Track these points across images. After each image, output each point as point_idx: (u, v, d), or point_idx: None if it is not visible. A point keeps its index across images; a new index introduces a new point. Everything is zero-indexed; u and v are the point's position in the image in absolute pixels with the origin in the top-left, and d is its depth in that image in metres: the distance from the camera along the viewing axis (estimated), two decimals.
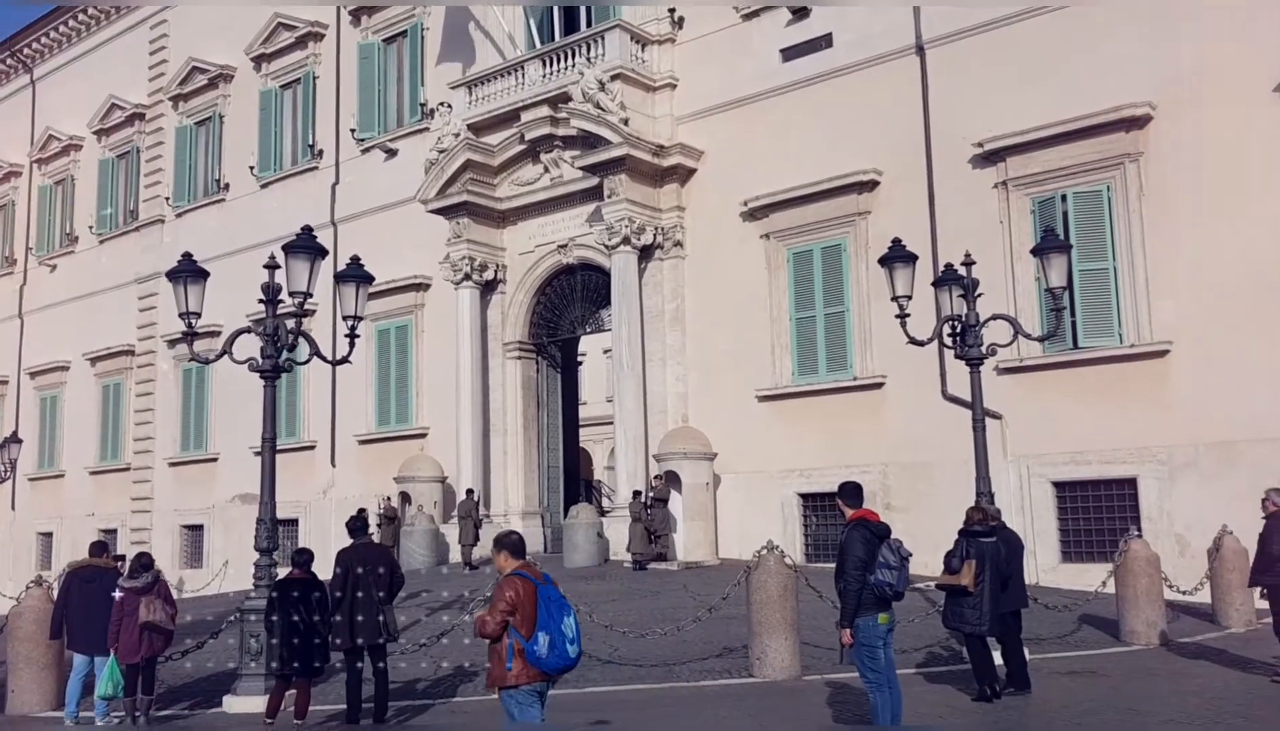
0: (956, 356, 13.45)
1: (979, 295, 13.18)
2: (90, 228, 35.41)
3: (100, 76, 35.47)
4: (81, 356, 34.56)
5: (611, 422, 23.07)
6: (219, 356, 12.76)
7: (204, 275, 12.73)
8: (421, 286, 26.16)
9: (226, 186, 31.25)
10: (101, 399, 34.12)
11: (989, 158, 18.46)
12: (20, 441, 28.73)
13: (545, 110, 23.10)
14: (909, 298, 13.38)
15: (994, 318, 13.36)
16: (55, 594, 12.33)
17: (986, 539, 10.31)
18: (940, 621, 10.98)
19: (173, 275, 12.66)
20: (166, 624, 11.07)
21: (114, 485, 33.15)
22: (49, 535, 35.23)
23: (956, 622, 10.29)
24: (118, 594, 10.95)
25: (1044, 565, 17.14)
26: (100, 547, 12.38)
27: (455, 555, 22.37)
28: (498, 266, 24.63)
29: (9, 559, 35.34)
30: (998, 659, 10.56)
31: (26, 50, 38.23)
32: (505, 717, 6.65)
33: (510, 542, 6.96)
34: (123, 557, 13.38)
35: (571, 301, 24.49)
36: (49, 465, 35.54)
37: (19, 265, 38.21)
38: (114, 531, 31.61)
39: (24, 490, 35.54)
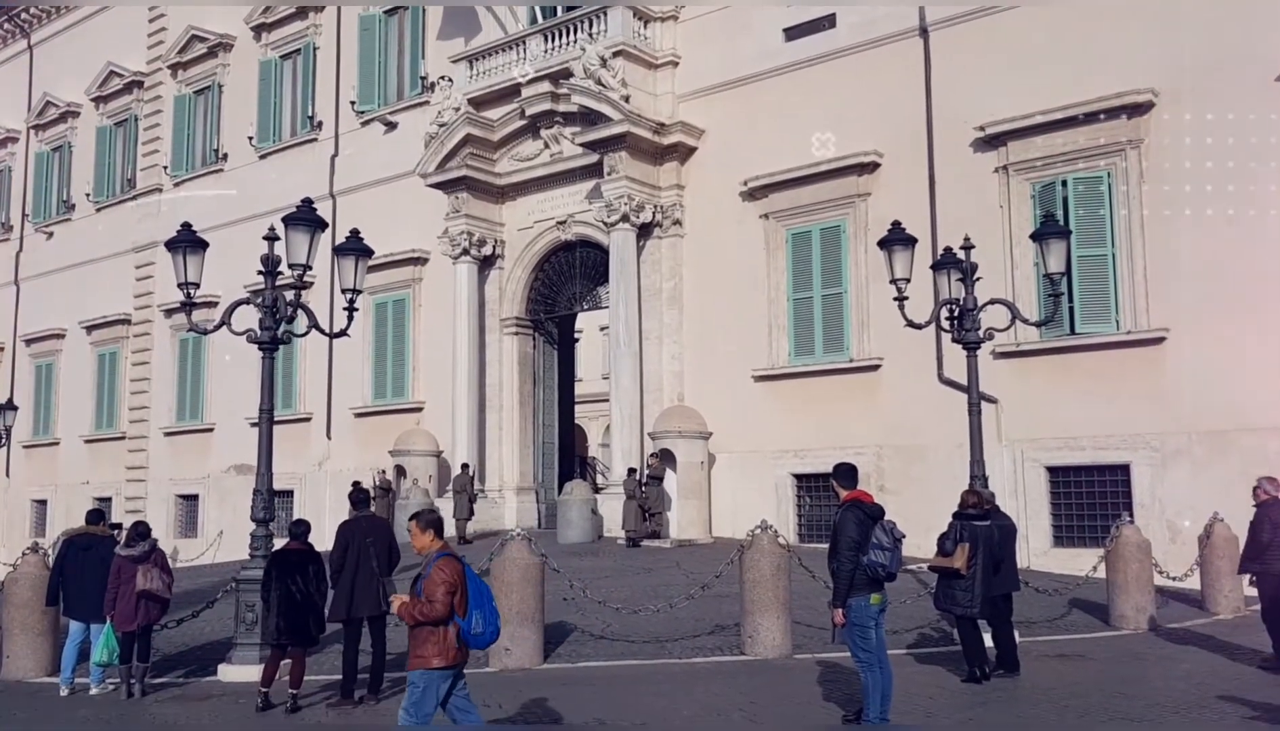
0: (954, 340, 13.48)
1: (977, 279, 13.20)
2: (87, 195, 35.28)
3: (99, 43, 35.23)
4: (77, 324, 34.49)
5: (607, 400, 23.13)
6: (217, 327, 12.75)
7: (203, 246, 12.71)
8: (420, 260, 26.13)
9: (225, 156, 31.12)
10: (97, 367, 34.09)
11: (990, 142, 18.45)
12: (15, 409, 28.63)
13: (546, 86, 23.02)
14: (907, 280, 13.40)
15: (992, 302, 13.39)
16: (51, 561, 12.37)
17: (980, 522, 10.39)
18: (932, 603, 11.06)
19: (172, 245, 12.64)
20: (163, 592, 11.12)
21: (109, 454, 33.18)
22: (43, 503, 35.28)
23: (948, 604, 10.38)
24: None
25: (1036, 549, 17.24)
26: (97, 516, 12.42)
27: (450, 529, 22.42)
28: (496, 242, 24.59)
29: (3, 526, 35.41)
30: (988, 641, 10.65)
31: (24, 15, 37.96)
32: (417, 697, 6.57)
33: (435, 521, 6.99)
34: (119, 526, 13.42)
35: (569, 278, 24.48)
36: (44, 433, 35.54)
37: (15, 232, 38.07)
38: (109, 500, 31.64)
39: (18, 458, 35.55)
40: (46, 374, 35.86)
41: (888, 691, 8.22)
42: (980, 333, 13.13)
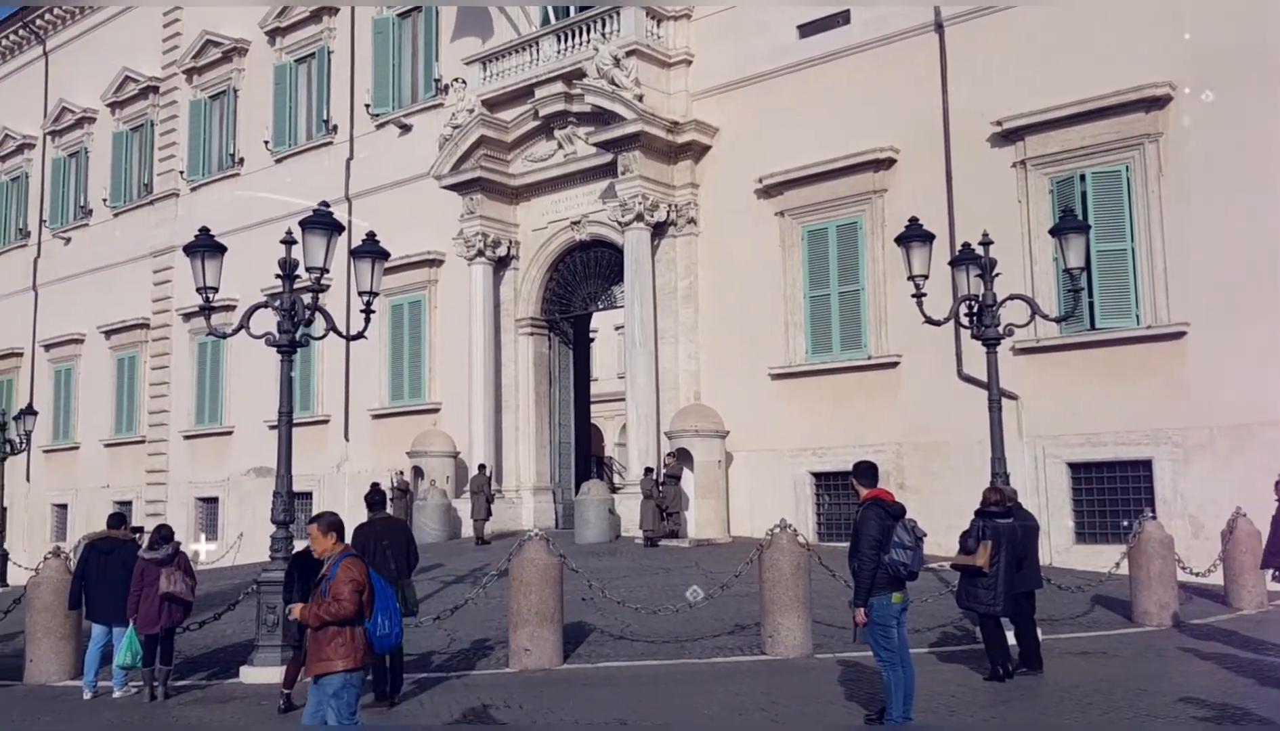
0: (973, 336, 13.41)
1: (996, 275, 13.12)
2: (104, 200, 35.48)
3: (114, 48, 35.43)
4: (96, 329, 34.69)
5: (623, 399, 23.13)
6: (236, 331, 12.79)
7: (221, 250, 12.74)
8: (435, 262, 26.17)
9: (241, 161, 31.25)
10: (116, 372, 34.28)
11: (1007, 137, 18.34)
12: (35, 413, 28.83)
13: (559, 86, 23.02)
14: (925, 277, 13.33)
15: (1011, 298, 13.30)
16: (73, 565, 12.43)
17: (1003, 520, 10.32)
18: (954, 601, 11.01)
19: (190, 249, 12.69)
20: (186, 595, 11.16)
21: (129, 458, 33.36)
22: (64, 507, 35.50)
23: (971, 603, 10.33)
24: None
25: (1058, 546, 17.14)
26: (118, 519, 12.46)
27: (467, 529, 22.48)
28: (511, 243, 24.61)
29: (24, 530, 35.60)
30: (1011, 639, 10.60)
31: (39, 21, 38.20)
32: (329, 705, 6.48)
33: (336, 523, 6.95)
34: (140, 529, 13.48)
35: (584, 278, 24.48)
36: (64, 437, 35.76)
37: (33, 238, 38.31)
38: (129, 503, 31.84)
39: (39, 462, 35.77)
40: (66, 379, 36.08)
41: (910, 690, 8.18)
42: (1000, 329, 13.06)
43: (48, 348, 36.61)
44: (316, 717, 6.55)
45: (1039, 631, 10.86)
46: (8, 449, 27.87)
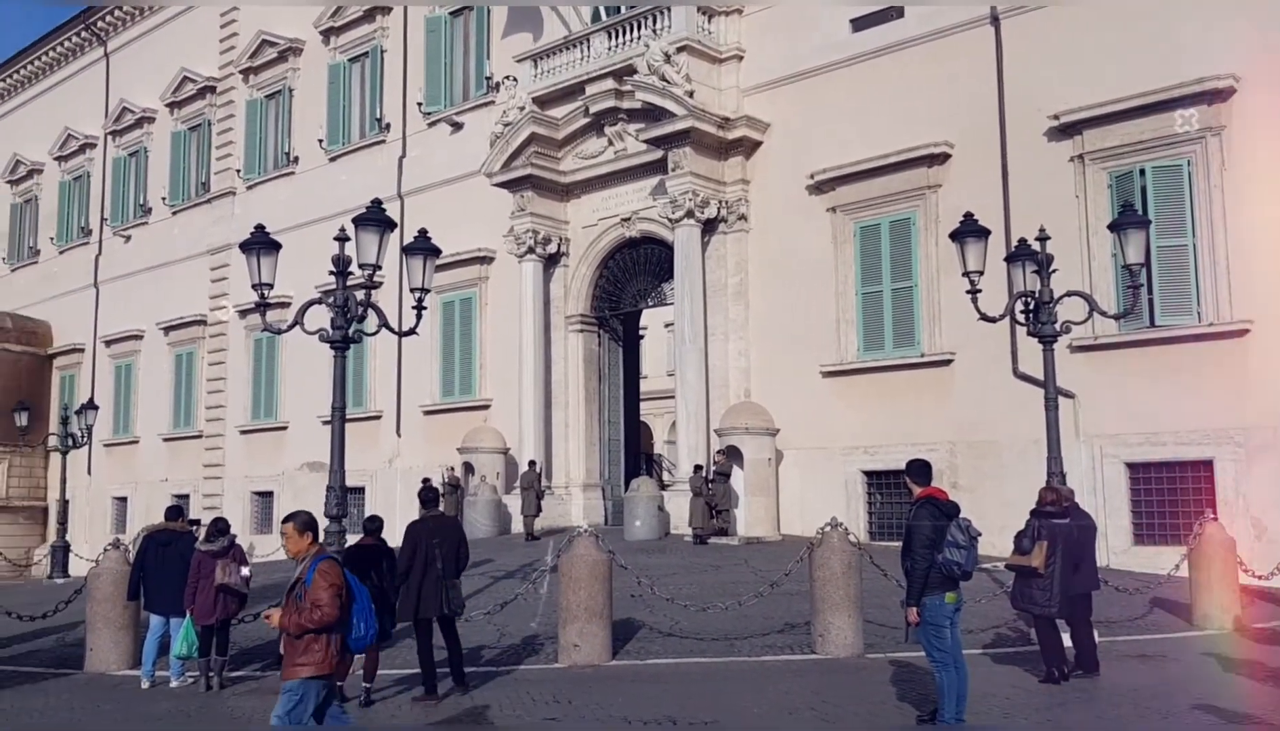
0: (1029, 334, 13.21)
1: (1053, 271, 12.91)
2: (163, 199, 36.11)
3: (172, 49, 36.05)
4: (155, 326, 35.34)
5: (672, 396, 23.09)
6: (290, 327, 12.94)
7: (276, 247, 12.90)
8: (486, 259, 26.31)
9: (296, 159, 31.64)
10: (174, 367, 34.89)
11: (1065, 131, 18.03)
12: (96, 408, 29.46)
13: (610, 83, 23.02)
14: (980, 273, 13.14)
15: (1069, 294, 13.07)
16: (132, 556, 12.66)
17: (1059, 520, 10.17)
18: (1009, 602, 10.86)
19: (246, 247, 12.87)
20: (241, 587, 11.34)
21: (187, 452, 33.95)
22: (124, 500, 36.22)
23: (1025, 604, 10.18)
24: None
25: (1116, 547, 16.82)
26: (175, 512, 12.68)
27: (517, 525, 22.57)
28: (561, 239, 24.67)
29: (85, 522, 36.38)
30: (1067, 641, 10.42)
31: (100, 23, 38.96)
32: (292, 707, 6.38)
33: (312, 523, 6.79)
34: (197, 522, 13.70)
35: (634, 275, 24.47)
36: (124, 432, 36.47)
37: (94, 236, 39.12)
38: (187, 497, 32.37)
39: (100, 456, 36.53)
40: (126, 374, 36.80)
41: (963, 691, 8.07)
42: (1057, 326, 12.85)
43: (108, 344, 37.36)
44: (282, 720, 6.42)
45: (1096, 633, 10.67)
46: (70, 442, 28.49)
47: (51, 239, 41.10)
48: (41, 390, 38.92)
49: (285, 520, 6.75)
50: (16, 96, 43.89)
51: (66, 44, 40.70)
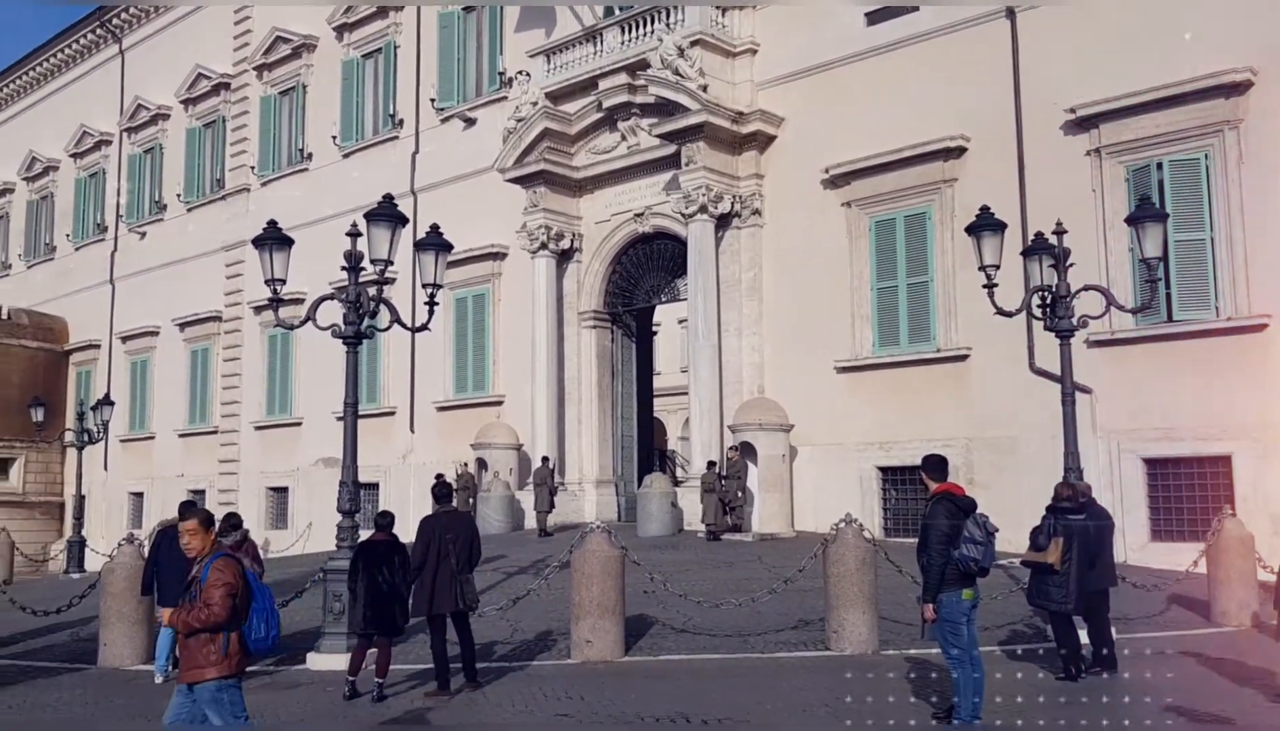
0: (1046, 328, 13.10)
1: (1070, 265, 12.79)
2: (178, 196, 36.23)
3: (187, 46, 36.13)
4: (170, 322, 35.46)
5: (686, 393, 23.01)
6: (303, 323, 12.96)
7: (289, 243, 12.90)
8: (499, 255, 26.29)
9: (309, 156, 31.68)
10: (190, 363, 35.00)
11: (1081, 124, 17.88)
12: (112, 404, 29.59)
13: (623, 77, 22.96)
14: (997, 267, 13.04)
15: (1086, 288, 12.96)
16: (146, 551, 12.68)
17: (1075, 516, 10.09)
18: (1025, 599, 10.78)
19: (258, 242, 12.87)
20: None
21: (202, 447, 34.06)
22: (140, 495, 36.37)
23: (1042, 600, 10.11)
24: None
25: (1133, 544, 16.68)
26: (189, 507, 12.66)
27: (530, 521, 22.57)
28: (574, 235, 24.63)
29: (102, 517, 36.56)
30: (1084, 638, 10.33)
31: (114, 20, 39.09)
32: (210, 711, 6.22)
33: (210, 517, 6.62)
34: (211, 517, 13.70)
35: (647, 270, 24.41)
36: (140, 427, 36.62)
37: (110, 232, 39.27)
38: (202, 492, 32.49)
39: (116, 451, 36.69)
40: (142, 370, 36.94)
41: (980, 689, 8.01)
42: (1074, 320, 12.74)
43: (124, 339, 37.51)
44: (178, 719, 6.29)
45: (1113, 630, 10.58)
46: (86, 438, 28.62)
47: (68, 236, 41.29)
48: (58, 386, 39.11)
49: (183, 516, 6.51)
50: (33, 94, 44.10)
51: (81, 41, 40.86)
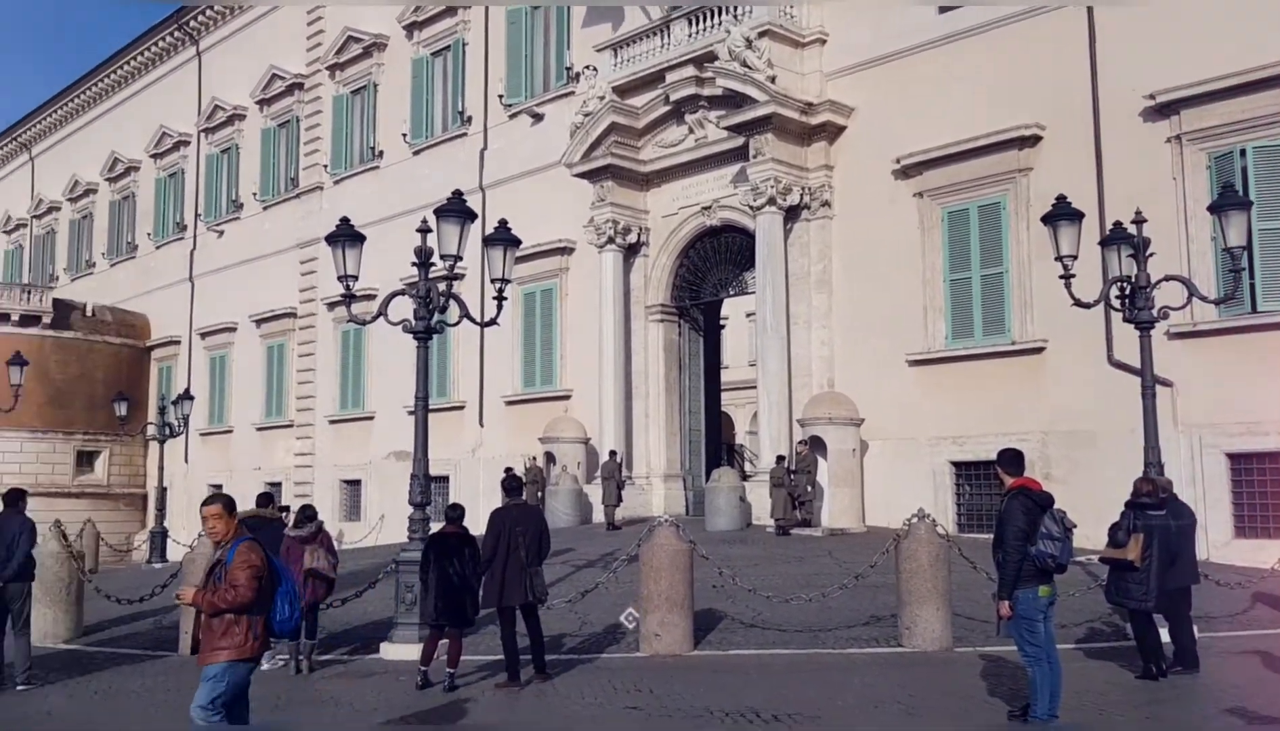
0: (1125, 320, 12.79)
1: (1150, 255, 12.47)
2: (254, 194, 36.98)
3: (261, 47, 36.87)
4: (247, 318, 36.24)
5: (754, 387, 22.91)
6: (375, 318, 13.14)
7: (360, 239, 13.09)
8: (566, 250, 26.41)
9: (381, 153, 32.11)
10: (266, 359, 35.74)
11: (1161, 111, 17.40)
12: (192, 398, 30.31)
13: (690, 70, 22.88)
14: (1074, 258, 12.74)
15: (1166, 279, 12.62)
16: None
17: (1155, 512, 9.84)
18: (1103, 596, 10.54)
19: (331, 239, 13.08)
20: (328, 571, 11.55)
21: (278, 441, 34.77)
22: (219, 487, 37.21)
23: (1121, 598, 9.88)
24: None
25: (1216, 541, 16.21)
26: (266, 499, 12.97)
27: (598, 515, 22.65)
28: (641, 229, 24.63)
29: (183, 509, 37.47)
30: (1165, 636, 10.07)
31: (192, 23, 40.01)
32: (218, 693, 6.25)
33: (233, 502, 6.68)
34: (287, 508, 14.00)
35: (714, 264, 24.32)
36: (218, 421, 37.50)
37: (189, 231, 40.24)
38: (279, 485, 33.15)
39: (196, 445, 37.63)
40: (220, 365, 37.82)
41: (1057, 687, 7.84)
42: (1154, 311, 12.42)
43: (203, 336, 38.43)
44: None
45: (1195, 629, 10.30)
46: (167, 432, 29.36)
47: (149, 234, 42.41)
48: (140, 381, 40.24)
49: (208, 502, 6.57)
50: (114, 96, 45.36)
51: (161, 44, 41.90)
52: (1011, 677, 9.40)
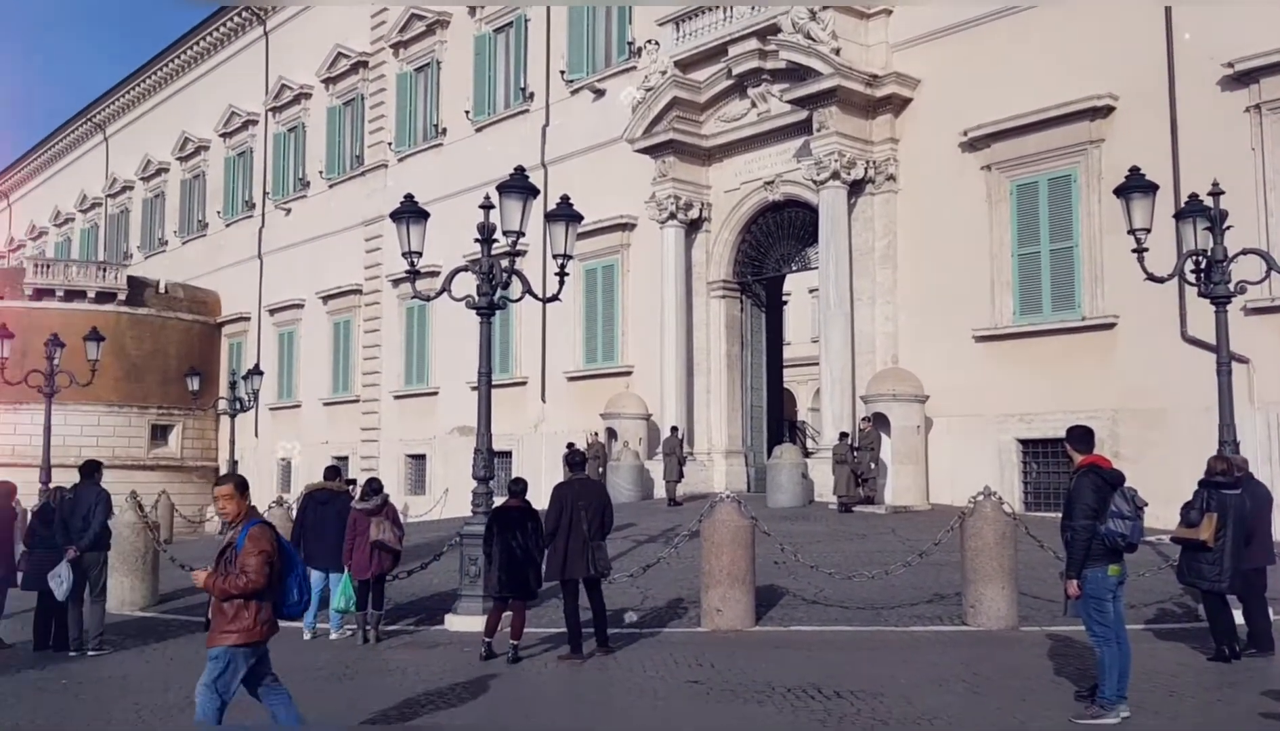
0: (1200, 295, 12.47)
1: (1227, 228, 12.13)
2: (320, 172, 37.47)
3: (327, 26, 37.23)
4: (314, 295, 36.81)
5: (816, 363, 22.72)
6: (438, 294, 13.24)
7: (424, 216, 13.20)
8: (627, 226, 26.38)
9: (444, 131, 32.31)
10: (333, 335, 36.31)
11: (1240, 79, 16.86)
12: (261, 373, 30.89)
13: (754, 43, 22.66)
14: (1147, 231, 12.46)
15: (1244, 252, 12.27)
16: (294, 514, 13.23)
17: (1230, 491, 9.61)
18: (1174, 576, 10.33)
19: (395, 216, 13.23)
20: (394, 543, 11.76)
21: (345, 416, 35.34)
22: (288, 461, 37.98)
23: (1193, 578, 9.69)
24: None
25: None
26: (333, 472, 13.20)
27: (659, 491, 22.69)
28: (703, 205, 24.51)
29: (253, 481, 38.04)
30: (1239, 618, 9.85)
31: (259, 3, 40.52)
32: (219, 673, 6.28)
33: (245, 482, 6.52)
34: (354, 482, 14.23)
35: (777, 239, 24.14)
36: (287, 396, 38.22)
37: (257, 209, 40.92)
38: (345, 459, 33.68)
39: (265, 419, 38.38)
40: (288, 341, 38.50)
41: (1126, 668, 7.70)
42: (1231, 286, 12.08)
43: (272, 312, 39.13)
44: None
45: (1270, 610, 10.05)
46: (238, 406, 29.99)
47: (218, 212, 43.21)
48: (211, 356, 41.15)
49: (220, 482, 6.48)
50: (185, 76, 46.19)
51: (229, 24, 42.51)
52: (1079, 658, 9.26)
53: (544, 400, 28.36)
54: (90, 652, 11.42)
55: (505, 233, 12.54)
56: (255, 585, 6.18)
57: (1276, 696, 8.16)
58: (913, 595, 12.42)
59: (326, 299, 36.29)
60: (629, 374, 26.18)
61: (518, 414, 28.25)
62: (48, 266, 40.10)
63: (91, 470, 12.06)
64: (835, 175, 20.95)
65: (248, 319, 40.65)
